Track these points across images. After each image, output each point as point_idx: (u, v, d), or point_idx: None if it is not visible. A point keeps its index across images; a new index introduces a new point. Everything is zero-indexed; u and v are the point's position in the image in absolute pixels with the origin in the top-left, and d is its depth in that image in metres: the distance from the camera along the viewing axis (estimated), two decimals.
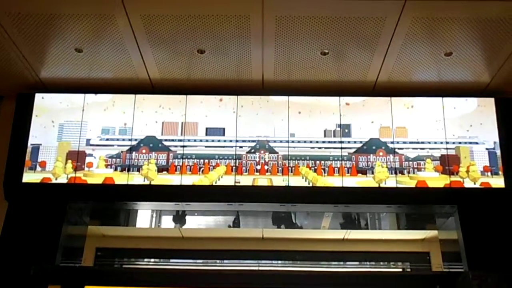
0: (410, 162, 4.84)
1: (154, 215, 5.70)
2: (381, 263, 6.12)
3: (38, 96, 5.10)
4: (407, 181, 4.77)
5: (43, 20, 4.17)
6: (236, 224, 5.53)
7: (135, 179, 4.80)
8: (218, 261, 6.15)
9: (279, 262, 6.14)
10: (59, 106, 5.06)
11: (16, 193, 4.83)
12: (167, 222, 5.74)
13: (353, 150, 4.91)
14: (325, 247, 6.07)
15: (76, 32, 4.32)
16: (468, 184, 4.75)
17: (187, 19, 4.16)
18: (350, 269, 6.07)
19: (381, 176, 4.77)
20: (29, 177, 4.83)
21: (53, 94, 5.11)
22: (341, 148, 4.90)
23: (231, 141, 4.91)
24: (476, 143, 4.87)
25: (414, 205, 4.96)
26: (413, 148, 4.89)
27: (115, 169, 4.84)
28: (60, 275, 4.65)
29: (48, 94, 5.11)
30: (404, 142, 4.92)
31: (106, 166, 4.85)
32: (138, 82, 5.08)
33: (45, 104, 5.07)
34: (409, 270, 6.04)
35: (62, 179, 4.80)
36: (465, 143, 4.88)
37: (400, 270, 6.10)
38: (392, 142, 4.92)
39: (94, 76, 5.00)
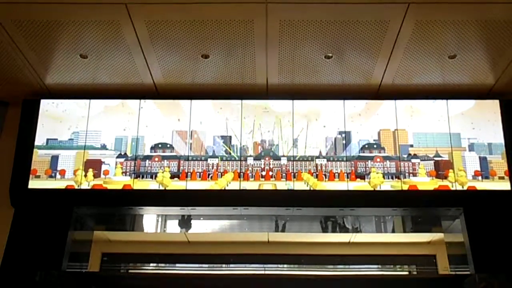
0: (406, 168, 4.91)
1: (160, 219, 5.70)
2: (387, 266, 6.10)
3: (52, 105, 5.15)
4: (399, 186, 4.84)
5: (48, 27, 4.19)
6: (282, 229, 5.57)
7: (151, 185, 4.90)
8: (224, 265, 6.13)
9: (285, 266, 6.11)
10: (74, 115, 5.13)
11: (22, 199, 4.85)
12: (173, 227, 5.74)
13: (353, 156, 4.97)
14: (331, 251, 6.04)
15: (81, 39, 4.35)
16: (456, 188, 4.80)
17: (191, 25, 4.18)
18: (356, 273, 6.05)
19: (376, 182, 4.86)
20: (51, 185, 4.90)
21: (67, 101, 5.17)
22: (346, 156, 4.96)
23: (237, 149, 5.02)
24: (472, 150, 4.93)
25: (420, 207, 4.96)
26: (409, 154, 4.95)
27: (131, 176, 4.95)
28: (67, 280, 4.66)
29: (62, 102, 5.17)
30: (401, 148, 4.97)
31: (122, 173, 4.93)
32: (142, 87, 5.10)
33: (60, 113, 5.13)
34: (415, 273, 6.01)
35: (85, 186, 4.88)
36: (460, 147, 4.96)
37: (407, 273, 6.07)
38: (384, 148, 4.99)
39: (99, 82, 5.03)
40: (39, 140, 5.03)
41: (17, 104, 5.21)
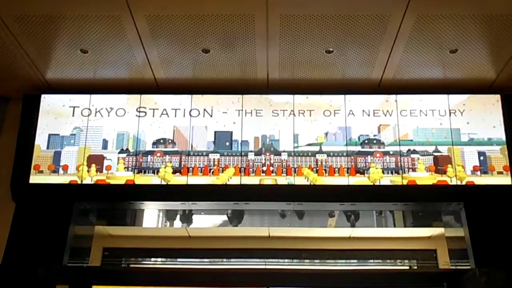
0: (405, 163, 4.92)
1: (161, 214, 5.71)
2: (388, 261, 6.11)
3: (53, 100, 5.14)
4: (398, 181, 4.84)
5: (49, 22, 4.19)
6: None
7: (153, 180, 4.91)
8: (224, 260, 6.15)
9: (286, 260, 6.13)
10: (77, 111, 5.12)
11: (23, 193, 4.86)
12: (174, 221, 5.76)
13: (353, 151, 4.97)
14: (331, 245, 6.06)
15: (81, 33, 4.34)
16: (454, 183, 4.80)
17: (192, 19, 4.17)
18: (357, 267, 6.06)
19: (375, 177, 4.87)
20: (53, 180, 4.89)
21: (66, 96, 5.15)
22: (347, 150, 4.97)
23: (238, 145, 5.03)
24: (470, 144, 4.92)
25: (421, 202, 4.96)
26: (408, 150, 4.96)
27: (133, 171, 4.95)
28: (68, 275, 4.67)
29: (63, 97, 5.16)
30: (401, 144, 4.97)
31: (125, 168, 4.95)
32: (143, 82, 5.09)
33: (62, 109, 5.12)
34: (416, 267, 6.02)
35: (88, 181, 4.88)
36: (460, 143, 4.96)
37: (407, 267, 6.09)
38: (384, 144, 5.00)
39: (100, 77, 5.02)
40: (41, 135, 5.03)
41: (18, 99, 5.21)
